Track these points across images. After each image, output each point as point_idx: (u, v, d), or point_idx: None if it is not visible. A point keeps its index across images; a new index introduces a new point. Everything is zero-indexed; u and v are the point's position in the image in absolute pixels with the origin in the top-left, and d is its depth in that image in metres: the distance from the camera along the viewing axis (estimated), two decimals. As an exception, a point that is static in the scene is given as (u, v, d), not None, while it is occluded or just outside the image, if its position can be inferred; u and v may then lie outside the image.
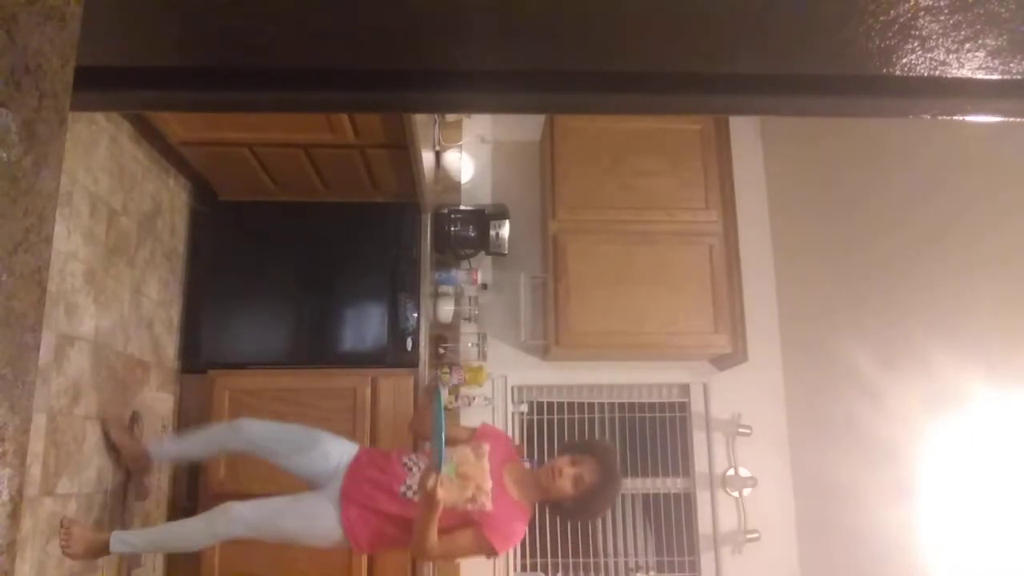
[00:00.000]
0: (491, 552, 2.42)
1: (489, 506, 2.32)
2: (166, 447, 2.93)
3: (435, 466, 2.22)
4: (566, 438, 3.93)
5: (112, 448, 2.74)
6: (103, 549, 2.54)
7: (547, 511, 3.07)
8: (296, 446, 2.64)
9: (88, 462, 2.60)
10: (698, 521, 3.88)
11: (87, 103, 0.90)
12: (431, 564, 3.13)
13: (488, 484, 2.35)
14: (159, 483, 3.18)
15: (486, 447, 2.43)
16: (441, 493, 2.21)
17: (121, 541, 2.57)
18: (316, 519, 2.51)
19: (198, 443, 2.86)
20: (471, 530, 2.39)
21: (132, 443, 2.80)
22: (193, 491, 3.25)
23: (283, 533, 2.55)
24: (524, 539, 3.81)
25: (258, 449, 2.70)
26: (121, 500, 2.84)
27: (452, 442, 2.49)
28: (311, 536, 2.53)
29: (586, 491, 2.47)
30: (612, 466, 2.50)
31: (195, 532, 2.62)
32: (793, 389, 3.96)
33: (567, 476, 2.46)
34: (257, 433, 2.70)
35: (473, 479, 2.35)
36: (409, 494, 2.45)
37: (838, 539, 3.49)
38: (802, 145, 4.00)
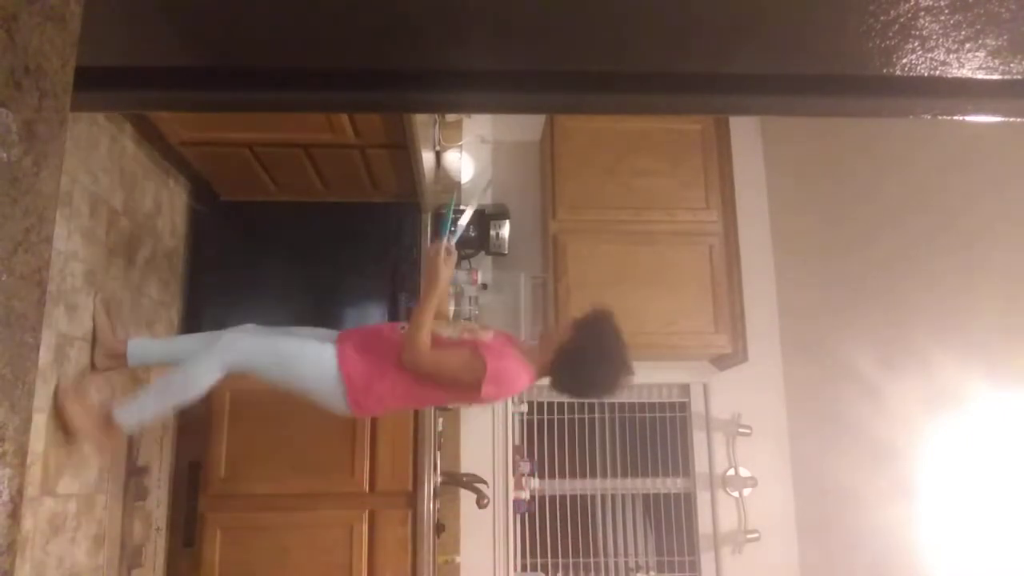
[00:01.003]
0: (480, 377, 2.24)
1: (487, 339, 2.34)
2: (149, 350, 2.71)
3: (440, 235, 2.24)
4: (566, 438, 3.94)
5: (92, 332, 2.60)
6: (111, 426, 2.44)
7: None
8: (284, 334, 2.58)
9: (88, 462, 2.59)
10: (698, 521, 3.88)
11: (87, 103, 0.90)
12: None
13: (488, 334, 2.36)
14: (159, 483, 3.18)
15: (491, 328, 2.49)
16: (445, 269, 2.25)
17: (127, 413, 2.48)
18: (312, 352, 2.41)
19: (186, 349, 2.65)
20: (467, 348, 2.28)
21: (112, 336, 2.62)
22: (193, 491, 3.25)
23: (280, 358, 2.43)
24: (524, 539, 3.82)
25: (254, 360, 2.51)
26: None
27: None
28: (307, 368, 2.39)
29: (570, 337, 2.33)
30: (600, 319, 2.36)
31: (198, 373, 2.47)
32: (793, 389, 3.96)
33: (563, 323, 2.50)
34: (252, 344, 2.54)
35: (472, 331, 2.41)
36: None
37: (838, 539, 3.49)
38: (802, 144, 4.00)
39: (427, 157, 3.35)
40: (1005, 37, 0.78)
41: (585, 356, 2.32)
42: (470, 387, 2.28)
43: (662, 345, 3.68)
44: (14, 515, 0.50)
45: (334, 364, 2.36)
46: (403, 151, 3.00)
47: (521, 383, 2.39)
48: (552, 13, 0.79)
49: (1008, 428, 2.54)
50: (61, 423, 2.34)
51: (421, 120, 2.99)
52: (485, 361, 2.25)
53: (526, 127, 4.17)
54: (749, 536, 3.76)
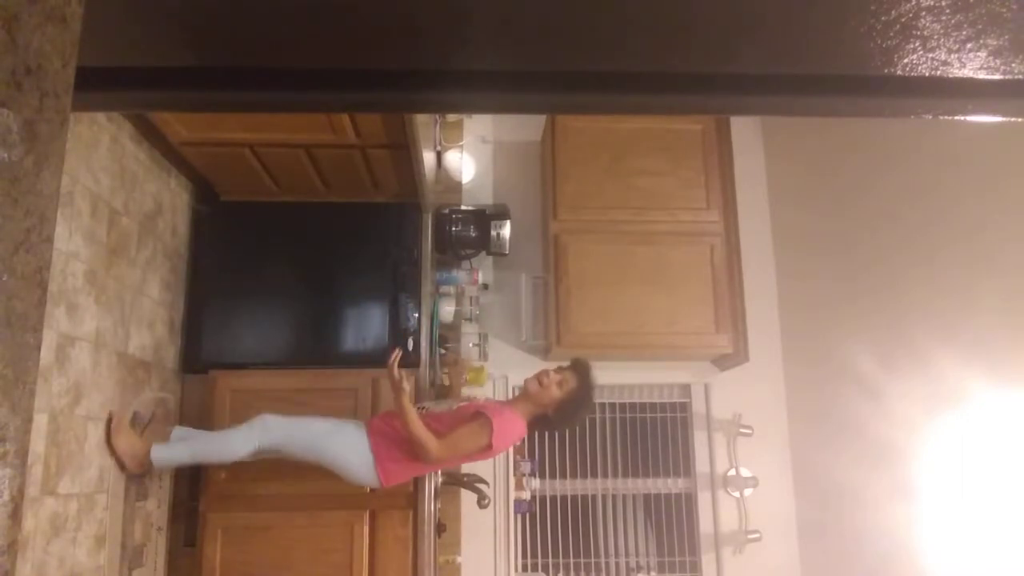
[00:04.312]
0: (489, 440, 2.59)
1: (480, 402, 2.80)
2: (174, 451, 2.88)
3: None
4: (567, 438, 3.93)
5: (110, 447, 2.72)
6: (145, 459, 2.76)
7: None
8: (315, 427, 2.83)
9: (89, 462, 2.60)
10: (699, 521, 3.88)
11: (88, 103, 0.90)
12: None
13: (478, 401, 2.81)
14: (160, 483, 3.18)
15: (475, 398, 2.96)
16: (398, 373, 2.56)
17: (161, 452, 2.78)
18: (345, 433, 2.75)
19: (212, 450, 2.86)
20: (467, 424, 2.63)
21: (135, 443, 2.77)
22: (194, 491, 3.25)
23: (315, 441, 2.74)
24: (525, 539, 3.82)
25: (290, 439, 2.79)
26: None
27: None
28: (341, 448, 2.71)
29: (570, 392, 2.75)
30: (589, 373, 2.79)
31: (233, 441, 2.78)
32: (794, 389, 3.96)
33: (553, 380, 2.76)
34: (287, 424, 2.82)
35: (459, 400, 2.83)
36: (427, 409, 2.79)
37: (839, 539, 3.49)
38: (804, 143, 4.00)
39: (428, 157, 3.35)
40: (1007, 37, 0.78)
41: (586, 400, 2.81)
42: (484, 451, 2.66)
43: (663, 345, 3.68)
44: (15, 515, 0.50)
45: (366, 443, 2.71)
46: (404, 151, 3.00)
47: (520, 429, 2.76)
48: (552, 13, 0.79)
49: (1008, 428, 2.54)
50: (108, 445, 2.68)
51: (422, 120, 2.99)
52: (490, 420, 2.61)
53: (527, 127, 4.17)
54: (750, 536, 3.76)
